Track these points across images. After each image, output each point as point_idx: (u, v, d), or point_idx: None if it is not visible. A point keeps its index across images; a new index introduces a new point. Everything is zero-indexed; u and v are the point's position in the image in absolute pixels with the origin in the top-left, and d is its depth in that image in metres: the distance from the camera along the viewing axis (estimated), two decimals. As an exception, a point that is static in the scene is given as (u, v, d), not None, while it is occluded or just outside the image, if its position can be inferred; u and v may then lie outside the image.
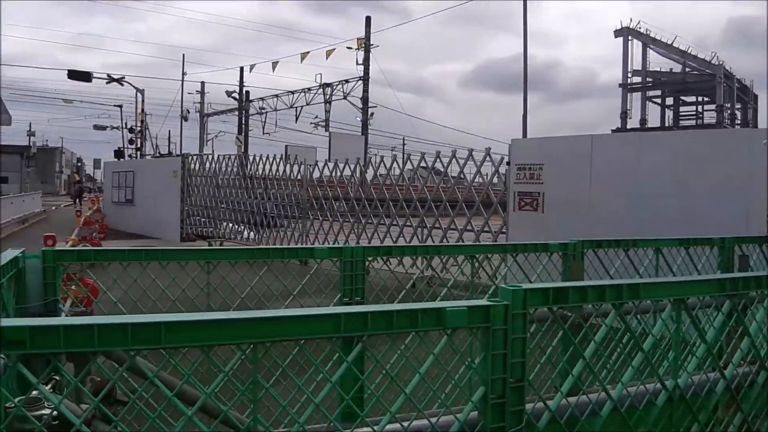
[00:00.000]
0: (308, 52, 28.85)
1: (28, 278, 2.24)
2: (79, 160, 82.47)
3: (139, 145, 29.15)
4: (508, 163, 8.55)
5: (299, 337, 1.36)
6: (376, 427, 1.44)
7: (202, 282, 2.42)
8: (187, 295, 2.37)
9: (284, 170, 13.96)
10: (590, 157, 7.77)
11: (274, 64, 29.42)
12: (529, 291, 1.61)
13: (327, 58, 28.82)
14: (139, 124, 29.37)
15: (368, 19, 30.91)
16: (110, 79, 27.11)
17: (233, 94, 32.49)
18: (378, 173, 11.18)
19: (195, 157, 16.98)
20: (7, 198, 21.11)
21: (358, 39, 28.94)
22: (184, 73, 35.20)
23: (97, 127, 42.66)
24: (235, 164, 15.60)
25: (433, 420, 1.55)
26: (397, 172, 11.01)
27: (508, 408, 1.58)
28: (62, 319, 1.16)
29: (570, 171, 7.87)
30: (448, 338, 1.53)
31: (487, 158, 8.97)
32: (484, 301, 1.57)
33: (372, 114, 31.66)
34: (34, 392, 1.58)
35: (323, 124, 31.23)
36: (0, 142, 41.83)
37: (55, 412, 1.45)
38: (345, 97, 30.65)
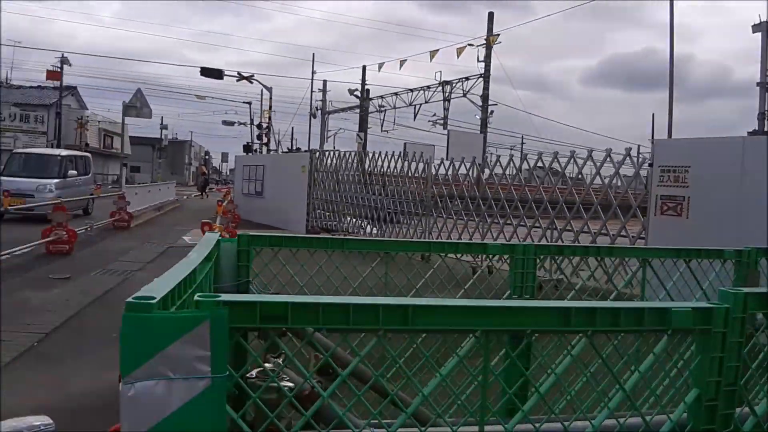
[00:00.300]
0: (437, 50, 28.81)
1: (221, 261, 2.38)
2: (207, 153, 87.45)
3: (266, 141, 30.44)
4: (650, 165, 8.15)
5: (526, 328, 1.36)
6: (593, 421, 1.43)
7: (379, 271, 2.48)
8: (366, 284, 2.43)
9: (404, 167, 14.08)
10: (741, 160, 7.26)
11: (402, 63, 29.65)
12: (749, 295, 1.56)
13: (458, 57, 28.60)
14: (267, 120, 30.68)
15: (491, 15, 30.56)
16: (240, 77, 28.43)
17: (355, 92, 33.16)
18: (506, 172, 11.01)
19: (322, 153, 17.52)
20: (146, 186, 22.71)
21: (491, 37, 28.51)
22: (313, 72, 36.15)
23: (225, 123, 45.10)
24: (355, 160, 15.93)
25: (648, 418, 1.53)
26: (523, 170, 10.81)
27: (719, 411, 1.56)
28: (318, 298, 1.22)
29: (719, 175, 7.38)
30: (669, 339, 1.49)
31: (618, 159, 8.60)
32: (705, 303, 1.53)
33: (492, 112, 31.26)
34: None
35: (441, 122, 31.18)
36: (125, 133, 44.86)
37: (286, 385, 1.53)
38: (465, 95, 30.46)
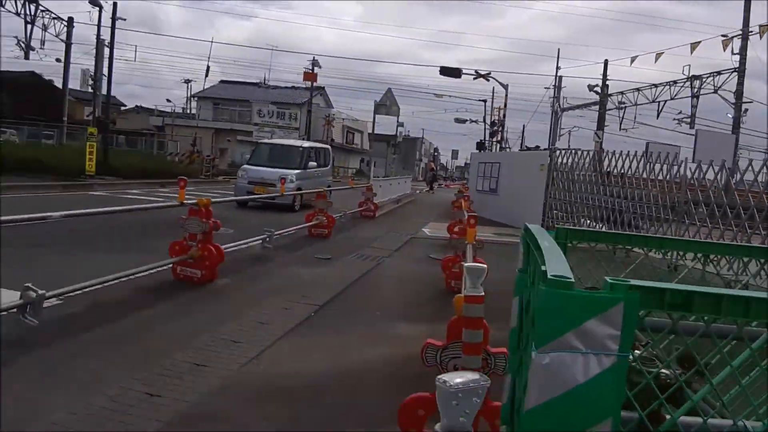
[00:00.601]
0: (699, 42, 26.51)
1: (538, 252, 2.48)
2: (436, 149, 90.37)
3: (499, 138, 30.63)
4: None
5: None
6: None
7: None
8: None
9: (648, 169, 13.18)
10: None
11: (658, 56, 27.69)
12: None
13: (725, 50, 25.96)
14: (501, 117, 30.83)
15: (748, 4, 27.39)
16: (477, 75, 28.90)
17: (595, 88, 31.85)
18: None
19: (561, 152, 17.13)
20: (388, 179, 24.04)
21: (762, 27, 25.51)
22: (558, 68, 35.30)
23: (457, 120, 46.18)
24: (593, 160, 15.31)
25: None
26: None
27: None
28: (715, 289, 1.24)
29: None
30: None
31: None
32: None
33: (746, 110, 28.05)
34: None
35: (687, 120, 28.76)
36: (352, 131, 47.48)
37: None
38: (715, 91, 27.76)
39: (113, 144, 34.50)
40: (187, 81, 62.69)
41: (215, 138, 46.49)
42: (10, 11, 27.15)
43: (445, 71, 28.00)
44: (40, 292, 4.67)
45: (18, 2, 27.50)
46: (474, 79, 28.60)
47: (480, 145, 31.82)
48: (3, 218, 4.40)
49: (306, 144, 20.73)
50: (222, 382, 4.31)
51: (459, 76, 27.78)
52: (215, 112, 56.67)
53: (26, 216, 4.87)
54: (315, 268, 8.88)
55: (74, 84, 32.56)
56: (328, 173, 21.14)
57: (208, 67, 46.15)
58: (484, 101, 37.36)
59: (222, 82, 60.61)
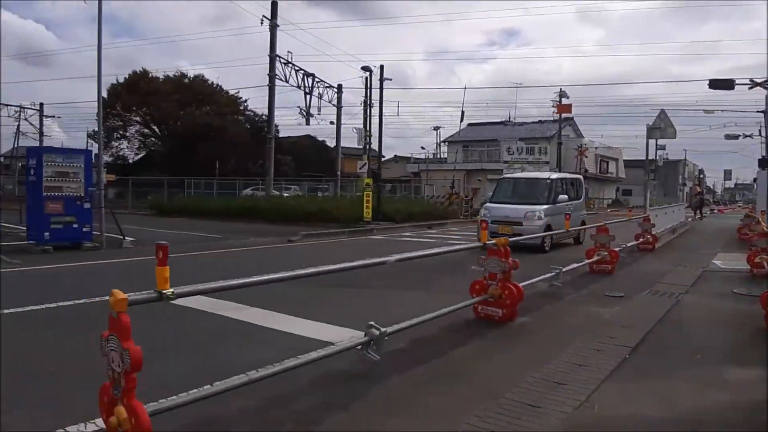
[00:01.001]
0: None
1: None
2: (701, 171, 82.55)
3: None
4: None
5: None
6: None
7: None
8: None
9: None
10: None
11: None
12: None
13: None
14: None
15: None
16: (753, 84, 25.89)
17: None
18: None
19: None
20: (663, 208, 22.43)
21: None
22: None
23: (728, 137, 41.73)
24: None
25: None
26: None
27: None
28: None
29: None
30: None
31: None
32: None
33: None
34: None
35: None
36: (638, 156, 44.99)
37: None
38: None
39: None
40: (436, 128, 65.95)
41: (466, 179, 47.88)
42: (292, 85, 31.79)
43: (716, 84, 25.44)
44: (382, 329, 5.13)
45: (298, 77, 32.02)
46: (749, 88, 25.59)
47: (763, 162, 28.20)
48: (354, 264, 4.95)
49: (554, 176, 18.52)
50: (563, 425, 4.27)
51: (732, 88, 25.02)
52: (465, 154, 58.59)
53: (369, 261, 5.42)
54: (609, 306, 8.52)
55: (345, 142, 36.61)
56: (580, 206, 18.97)
57: (462, 113, 48.19)
58: (764, 112, 33.09)
59: (470, 125, 62.57)
